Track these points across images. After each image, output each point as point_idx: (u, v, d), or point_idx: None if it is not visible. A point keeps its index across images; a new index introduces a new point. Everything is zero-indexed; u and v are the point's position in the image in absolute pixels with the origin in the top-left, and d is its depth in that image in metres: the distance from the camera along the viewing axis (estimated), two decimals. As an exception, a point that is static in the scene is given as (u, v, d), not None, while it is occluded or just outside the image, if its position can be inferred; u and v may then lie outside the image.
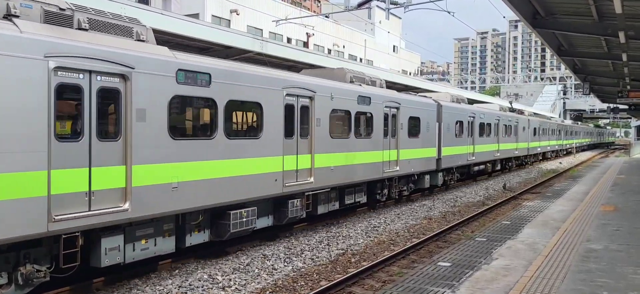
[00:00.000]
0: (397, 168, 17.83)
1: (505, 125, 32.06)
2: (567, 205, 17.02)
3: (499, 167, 32.01)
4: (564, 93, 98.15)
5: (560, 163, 46.56)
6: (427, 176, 20.82)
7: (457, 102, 24.97)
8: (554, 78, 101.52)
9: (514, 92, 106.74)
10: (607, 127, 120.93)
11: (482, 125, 27.21)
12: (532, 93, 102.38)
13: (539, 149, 42.68)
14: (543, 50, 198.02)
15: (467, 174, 26.61)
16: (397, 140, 17.85)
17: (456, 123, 23.48)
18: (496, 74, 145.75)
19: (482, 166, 28.33)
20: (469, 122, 25.20)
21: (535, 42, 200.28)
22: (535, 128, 40.80)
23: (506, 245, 11.04)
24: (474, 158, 25.94)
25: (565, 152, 60.11)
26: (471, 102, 32.31)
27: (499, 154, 30.46)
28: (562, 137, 56.13)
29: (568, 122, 74.13)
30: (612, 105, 54.17)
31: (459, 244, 11.95)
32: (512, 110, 38.96)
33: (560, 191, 22.21)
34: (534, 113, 52.83)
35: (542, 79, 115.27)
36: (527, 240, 11.54)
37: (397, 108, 17.87)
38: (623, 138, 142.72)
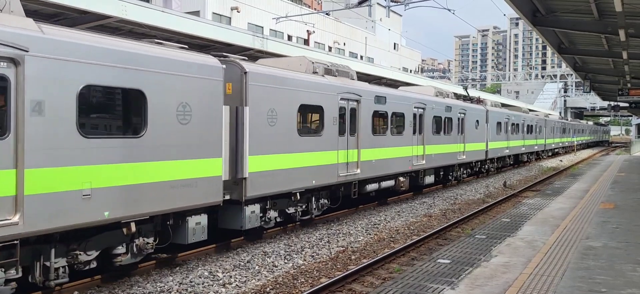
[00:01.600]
0: (14, 222, 7.22)
1: (439, 118, 21.45)
2: (567, 203, 17.06)
3: (429, 180, 21.12)
4: (565, 91, 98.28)
5: (561, 160, 46.59)
6: (198, 220, 10.32)
7: (323, 74, 14.75)
8: (555, 76, 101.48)
9: (515, 90, 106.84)
10: (599, 124, 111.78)
11: (380, 116, 17.01)
12: (532, 91, 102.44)
13: (506, 151, 32.19)
14: (544, 47, 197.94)
15: (348, 198, 15.99)
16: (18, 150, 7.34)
17: (303, 111, 13.35)
18: (497, 72, 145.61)
19: (389, 183, 17.85)
20: (346, 109, 15.13)
21: (536, 39, 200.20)
22: (499, 123, 30.32)
23: (506, 242, 11.08)
24: (357, 172, 15.55)
25: (551, 153, 49.98)
26: (369, 79, 22.46)
27: (424, 161, 20.00)
28: (544, 135, 44.51)
29: (555, 116, 58.99)
30: (612, 103, 54.26)
31: (458, 241, 11.99)
32: (466, 97, 28.91)
33: (560, 188, 22.24)
34: (502, 104, 39.27)
35: (543, 77, 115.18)
36: (527, 237, 11.58)
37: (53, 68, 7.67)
38: (624, 136, 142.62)
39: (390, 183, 18.05)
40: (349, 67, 16.67)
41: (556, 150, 52.08)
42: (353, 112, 15.55)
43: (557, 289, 7.65)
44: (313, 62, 14.78)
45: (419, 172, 20.05)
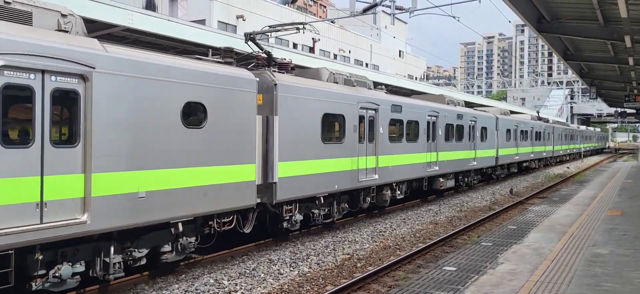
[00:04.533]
0: None
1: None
2: (574, 210, 16.97)
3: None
4: (571, 98, 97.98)
5: (568, 167, 46.40)
6: None
7: None
8: (561, 82, 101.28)
9: (521, 96, 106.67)
10: (594, 128, 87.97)
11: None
12: (539, 98, 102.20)
13: (372, 176, 16.04)
14: (550, 54, 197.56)
15: None
16: None
17: None
18: (503, 79, 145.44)
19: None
20: None
21: (542, 46, 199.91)
22: (340, 118, 14.53)
23: (512, 250, 11.03)
24: None
25: (516, 170, 33.85)
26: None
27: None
28: (496, 143, 28.32)
29: (526, 116, 40.59)
30: (619, 110, 54.01)
31: (464, 248, 11.96)
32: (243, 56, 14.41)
33: (567, 195, 22.14)
34: (412, 92, 24.08)
35: (549, 83, 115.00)
36: (533, 244, 11.53)
37: None
38: (631, 142, 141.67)
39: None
40: None
41: (526, 164, 36.43)
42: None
43: (564, 297, 7.60)
44: None
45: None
